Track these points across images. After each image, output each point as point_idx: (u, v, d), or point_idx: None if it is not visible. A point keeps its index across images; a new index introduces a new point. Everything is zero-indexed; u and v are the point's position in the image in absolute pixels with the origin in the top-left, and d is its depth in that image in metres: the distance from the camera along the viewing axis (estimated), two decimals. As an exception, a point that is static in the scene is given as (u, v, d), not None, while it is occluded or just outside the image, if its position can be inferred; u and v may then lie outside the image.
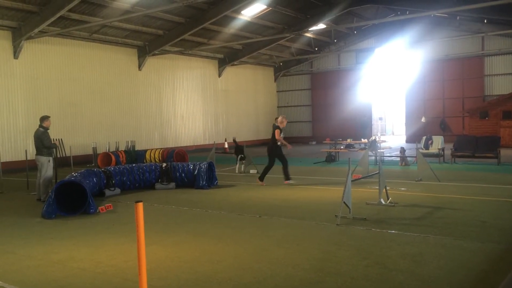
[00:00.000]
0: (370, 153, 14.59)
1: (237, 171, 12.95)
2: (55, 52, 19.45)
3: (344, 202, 7.37)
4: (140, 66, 23.09)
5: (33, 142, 10.64)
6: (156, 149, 18.44)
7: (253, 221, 7.81)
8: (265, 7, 22.05)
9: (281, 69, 32.99)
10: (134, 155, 18.12)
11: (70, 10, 17.23)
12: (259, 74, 32.07)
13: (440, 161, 16.18)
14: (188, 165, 12.13)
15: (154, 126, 24.15)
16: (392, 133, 40.16)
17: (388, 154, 18.62)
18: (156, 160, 17.16)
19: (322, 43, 30.14)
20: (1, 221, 8.36)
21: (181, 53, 24.71)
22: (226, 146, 23.98)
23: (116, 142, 20.33)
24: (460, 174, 13.29)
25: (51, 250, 6.29)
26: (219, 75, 28.37)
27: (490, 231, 6.65)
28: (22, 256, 6.04)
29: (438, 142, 16.79)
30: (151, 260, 5.57)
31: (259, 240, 6.54)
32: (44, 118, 10.57)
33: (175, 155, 17.23)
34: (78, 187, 8.94)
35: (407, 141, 27.04)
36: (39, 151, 10.43)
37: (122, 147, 20.03)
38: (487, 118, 23.40)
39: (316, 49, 30.23)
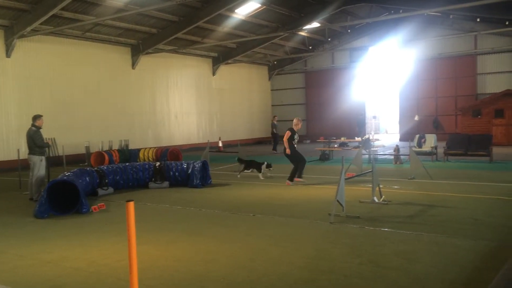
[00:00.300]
0: (363, 151, 14.62)
1: (262, 178, 12.65)
2: (48, 50, 19.32)
3: (337, 201, 7.39)
4: (133, 65, 23.00)
5: (26, 141, 10.57)
6: (150, 148, 18.39)
7: (247, 219, 7.81)
8: (259, 5, 22.04)
9: (275, 68, 32.99)
10: (128, 154, 18.06)
11: (62, 9, 17.12)
12: (253, 72, 32.06)
13: (433, 159, 16.26)
14: (182, 164, 12.10)
15: (148, 125, 24.07)
16: (385, 131, 40.28)
17: (381, 153, 18.68)
18: (150, 159, 17.11)
19: (316, 42, 30.18)
20: (-7, 221, 8.31)
21: (175, 51, 24.64)
22: (220, 144, 23.96)
23: (109, 141, 20.23)
24: (453, 172, 13.36)
25: (43, 249, 6.25)
26: (213, 74, 28.33)
27: (482, 228, 6.70)
28: (14, 255, 6.00)
29: (431, 141, 16.88)
30: (145, 260, 5.55)
31: (253, 238, 6.54)
32: (36, 117, 10.51)
33: (169, 154, 17.18)
34: (71, 186, 8.90)
35: (400, 140, 27.14)
36: (31, 150, 10.37)
37: (116, 146, 19.95)
38: (479, 117, 23.54)
39: (310, 47, 30.26)
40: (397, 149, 16.40)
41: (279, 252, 5.79)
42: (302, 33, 27.09)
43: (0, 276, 5.18)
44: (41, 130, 10.50)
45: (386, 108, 39.79)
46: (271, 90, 33.81)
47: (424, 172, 11.58)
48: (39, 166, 10.35)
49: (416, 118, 27.21)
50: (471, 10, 21.42)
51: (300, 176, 11.97)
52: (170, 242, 6.47)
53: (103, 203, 9.30)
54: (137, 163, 12.44)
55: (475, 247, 5.72)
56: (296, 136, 12.02)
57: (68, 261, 5.70)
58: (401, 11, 22.89)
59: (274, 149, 22.94)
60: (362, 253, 5.59)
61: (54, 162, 16.34)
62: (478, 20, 24.14)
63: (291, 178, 11.78)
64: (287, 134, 11.87)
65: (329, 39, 29.65)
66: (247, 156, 16.19)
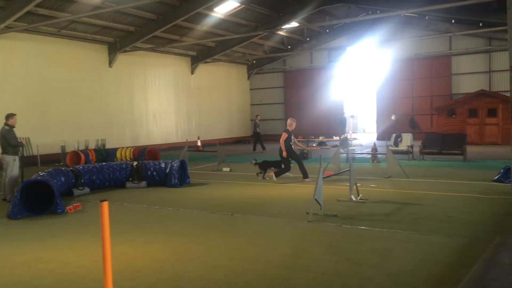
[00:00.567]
0: (341, 150, 14.76)
1: (276, 180, 12.53)
2: (22, 48, 18.88)
3: (315, 199, 7.44)
4: (110, 63, 22.68)
5: (-2, 141, 10.32)
6: (127, 147, 18.18)
7: (225, 219, 7.79)
8: (238, 4, 22.00)
9: (254, 67, 33.00)
10: (105, 154, 17.81)
11: (37, 5, 16.76)
12: (232, 72, 32.01)
13: (409, 158, 16.52)
14: (160, 163, 12.00)
15: (125, 124, 23.78)
16: (363, 130, 40.76)
17: (359, 152, 18.87)
18: (127, 158, 16.91)
19: (295, 41, 30.32)
20: (-36, 222, 8.08)
21: (153, 50, 24.40)
22: (199, 144, 23.85)
23: (85, 140, 19.92)
24: (428, 170, 13.60)
25: (17, 251, 6.12)
26: (192, 73, 28.17)
27: (456, 225, 6.83)
28: (-14, 258, 5.85)
29: (407, 140, 17.15)
30: (121, 260, 5.49)
31: (231, 238, 6.54)
32: (9, 116, 10.28)
33: (146, 154, 17.02)
34: (45, 186, 8.73)
35: (378, 139, 27.48)
36: (4, 150, 10.15)
37: (92, 146, 19.65)
38: (454, 116, 24.02)
39: (289, 47, 30.38)
40: (374, 148, 16.60)
41: (257, 251, 5.80)
42: (281, 33, 27.18)
43: (-29, 279, 5.05)
44: (14, 129, 10.27)
45: (363, 108, 40.26)
46: (250, 89, 33.82)
47: (400, 170, 11.75)
48: (12, 166, 10.13)
49: (393, 117, 27.60)
50: (446, 11, 21.85)
51: (306, 176, 12.08)
52: (147, 242, 6.40)
53: (78, 204, 9.15)
54: (114, 163, 12.28)
55: (449, 244, 5.84)
56: (292, 137, 12.17)
57: (42, 262, 5.59)
58: (378, 12, 23.19)
59: (254, 149, 22.94)
60: (339, 251, 5.65)
61: (28, 162, 16.03)
62: (453, 21, 24.63)
63: (304, 176, 11.95)
64: (284, 136, 11.98)
65: (308, 39, 29.83)
66: (226, 155, 16.16)
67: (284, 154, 11.94)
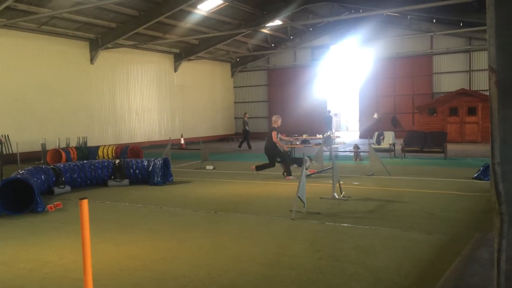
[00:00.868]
0: (324, 148, 14.84)
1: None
2: (1, 44, 18.49)
3: (298, 197, 7.46)
4: (92, 60, 22.39)
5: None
6: (110, 145, 17.98)
7: (208, 217, 7.77)
8: (221, 2, 21.94)
9: (238, 65, 32.96)
10: (86, 152, 17.59)
11: (17, 0, 16.46)
12: (216, 69, 31.90)
13: (391, 156, 16.70)
14: (143, 161, 11.90)
15: (107, 122, 23.51)
16: (346, 129, 41.07)
17: (342, 150, 19.00)
18: (110, 156, 16.73)
19: (279, 40, 30.36)
20: None
21: (135, 47, 24.17)
22: (182, 142, 23.72)
23: (66, 138, 19.64)
24: (410, 168, 13.77)
25: (-5, 251, 6.00)
26: (175, 70, 27.98)
27: (437, 222, 6.93)
28: (-37, 258, 5.72)
29: (389, 138, 17.33)
30: (103, 259, 5.43)
31: (214, 236, 6.52)
32: (-13, 113, 10.08)
33: (129, 152, 16.87)
34: (25, 185, 8.58)
35: (360, 137, 27.75)
36: (-18, 148, 9.94)
37: (73, 144, 19.38)
38: (435, 115, 24.37)
39: (273, 45, 30.42)
40: (356, 147, 16.73)
41: (240, 248, 5.79)
42: (265, 31, 27.18)
43: None
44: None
45: (346, 106, 40.56)
46: (234, 87, 33.76)
47: (382, 168, 11.87)
48: (-9, 164, 9.94)
49: (376, 116, 27.87)
50: (427, 11, 22.14)
51: (259, 169, 12.47)
52: (129, 241, 6.34)
53: (59, 202, 9.02)
54: (96, 161, 12.12)
55: (429, 241, 5.92)
56: (278, 134, 12.37)
57: (21, 262, 5.49)
58: (361, 11, 23.37)
59: (240, 146, 22.94)
60: (322, 248, 5.68)
61: (7, 160, 15.75)
62: (434, 21, 24.97)
63: (288, 173, 12.12)
64: (275, 134, 12.17)
65: (291, 37, 29.91)
66: (210, 153, 16.11)
67: (285, 148, 12.42)
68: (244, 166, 14.75)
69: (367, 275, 4.71)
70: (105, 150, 17.17)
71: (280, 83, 32.05)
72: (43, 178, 10.03)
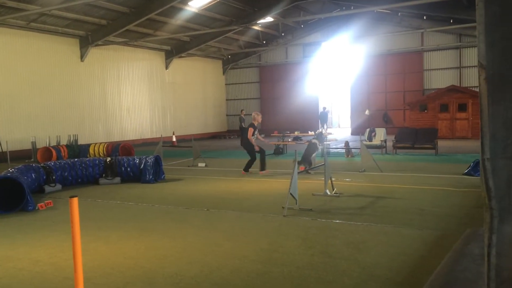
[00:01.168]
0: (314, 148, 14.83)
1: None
2: (-11, 41, 18.34)
3: (291, 194, 7.47)
4: (82, 57, 22.22)
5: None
6: (101, 143, 17.87)
7: (200, 214, 7.75)
8: (212, -2, 21.87)
9: (230, 62, 32.89)
10: (77, 150, 17.47)
11: (5, -3, 16.29)
12: (207, 66, 31.81)
13: (383, 153, 16.78)
14: (134, 159, 11.84)
15: (98, 120, 23.36)
16: (338, 125, 41.20)
17: (334, 146, 19.07)
18: (101, 154, 16.63)
19: (270, 37, 30.33)
20: None
21: (126, 44, 24.02)
22: (174, 139, 23.65)
23: (57, 136, 19.49)
24: (401, 164, 13.85)
25: (-15, 250, 5.94)
26: (166, 67, 27.87)
27: (428, 218, 6.98)
28: (-48, 257, 5.66)
29: (380, 134, 17.42)
30: (95, 258, 5.40)
31: (206, 233, 6.51)
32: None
33: (120, 149, 16.77)
34: (15, 183, 8.50)
35: (352, 133, 27.84)
36: (-29, 146, 9.83)
37: (64, 142, 19.25)
38: (426, 111, 24.51)
39: (264, 42, 30.38)
40: (347, 144, 16.79)
41: (232, 246, 5.79)
42: (256, 28, 27.15)
43: None
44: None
45: (338, 103, 40.68)
46: (226, 84, 33.71)
47: (374, 165, 11.92)
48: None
49: (367, 112, 27.98)
50: (418, 8, 22.25)
51: (246, 168, 12.50)
52: (121, 239, 6.31)
53: (50, 201, 8.94)
54: (87, 159, 12.04)
55: (421, 236, 5.96)
56: (256, 132, 12.42)
57: (11, 261, 5.44)
58: (352, 8, 23.42)
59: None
60: (314, 245, 5.69)
61: (-3, 158, 15.60)
62: (425, 18, 25.10)
63: (262, 167, 12.36)
64: (251, 131, 12.23)
65: (283, 34, 29.90)
66: (202, 150, 16.07)
67: (256, 148, 12.30)
68: (236, 164, 14.74)
69: (359, 271, 4.73)
70: (96, 148, 17.06)
71: (271, 80, 32.04)
72: (33, 176, 9.95)
